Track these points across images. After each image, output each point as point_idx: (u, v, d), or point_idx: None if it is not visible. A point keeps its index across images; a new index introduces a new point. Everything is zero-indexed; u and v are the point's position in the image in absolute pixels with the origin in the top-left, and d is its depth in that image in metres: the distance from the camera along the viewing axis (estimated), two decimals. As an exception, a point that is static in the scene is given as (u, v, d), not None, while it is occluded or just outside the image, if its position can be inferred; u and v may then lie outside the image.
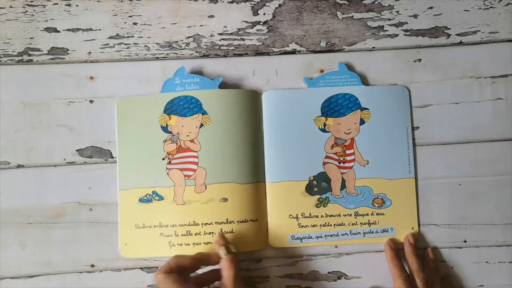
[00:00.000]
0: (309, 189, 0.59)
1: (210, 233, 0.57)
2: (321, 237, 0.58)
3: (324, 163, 0.59)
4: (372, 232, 0.59)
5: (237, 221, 0.57)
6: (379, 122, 0.60)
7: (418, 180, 0.60)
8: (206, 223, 0.57)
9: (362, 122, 0.60)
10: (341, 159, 0.59)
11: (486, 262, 0.60)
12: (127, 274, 0.58)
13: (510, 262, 0.60)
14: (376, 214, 0.59)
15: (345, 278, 0.59)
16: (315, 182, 0.59)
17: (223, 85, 0.59)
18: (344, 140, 0.59)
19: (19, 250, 0.58)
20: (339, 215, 0.59)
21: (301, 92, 0.60)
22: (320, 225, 0.58)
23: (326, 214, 0.59)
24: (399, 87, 0.60)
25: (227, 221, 0.57)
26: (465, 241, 0.60)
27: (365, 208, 0.59)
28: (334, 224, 0.59)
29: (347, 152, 0.59)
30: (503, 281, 0.60)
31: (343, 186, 0.59)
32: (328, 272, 0.59)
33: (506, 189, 0.60)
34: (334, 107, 0.60)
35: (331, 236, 0.58)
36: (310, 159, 0.59)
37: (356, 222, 0.59)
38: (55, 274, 0.58)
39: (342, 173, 0.59)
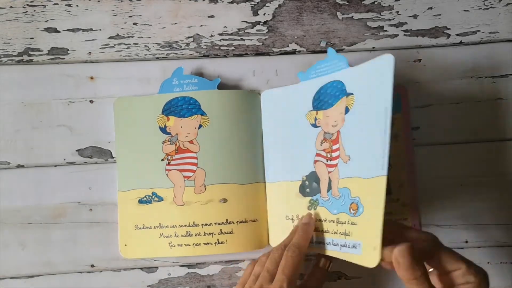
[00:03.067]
0: (302, 190, 0.54)
1: (210, 233, 0.57)
2: (311, 242, 0.52)
3: (315, 161, 0.53)
4: (346, 246, 0.47)
5: (237, 222, 0.57)
6: (361, 107, 0.48)
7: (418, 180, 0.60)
8: (206, 224, 0.57)
9: (347, 110, 0.50)
10: (329, 156, 0.52)
11: (488, 263, 0.60)
12: (127, 274, 0.58)
13: None
14: (351, 223, 0.47)
15: (345, 278, 0.59)
16: (307, 182, 0.54)
17: (222, 86, 0.59)
18: (331, 134, 0.52)
19: (19, 250, 0.58)
20: (325, 220, 0.51)
21: (295, 87, 0.58)
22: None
23: (316, 218, 0.53)
24: (382, 57, 0.46)
25: (227, 222, 0.57)
26: (466, 242, 0.60)
27: (344, 215, 0.48)
28: (321, 230, 0.51)
29: (333, 147, 0.51)
30: (505, 282, 0.59)
31: (330, 187, 0.52)
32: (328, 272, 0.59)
33: (507, 189, 0.60)
34: (323, 99, 0.53)
35: (318, 243, 0.51)
36: (303, 158, 0.54)
37: (337, 231, 0.49)
38: (55, 274, 0.58)
39: (329, 172, 0.52)
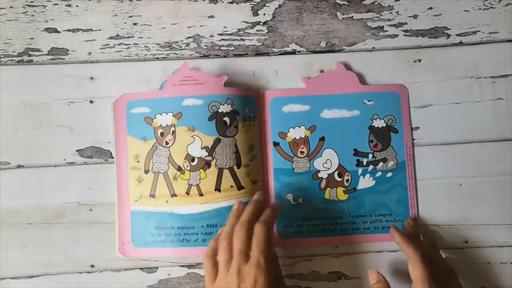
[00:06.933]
0: None
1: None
2: None
3: None
4: None
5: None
6: None
7: (418, 180, 0.60)
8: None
9: None
10: None
11: (488, 263, 0.60)
12: (127, 274, 0.58)
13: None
14: None
15: (345, 278, 0.59)
16: None
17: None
18: None
19: (19, 250, 0.58)
20: None
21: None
22: None
23: None
24: None
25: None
26: (466, 242, 0.59)
27: None
28: None
29: None
30: (505, 282, 0.59)
31: None
32: (328, 272, 0.59)
33: (507, 189, 0.60)
34: None
35: None
36: None
37: None
38: (55, 274, 0.58)
39: None
